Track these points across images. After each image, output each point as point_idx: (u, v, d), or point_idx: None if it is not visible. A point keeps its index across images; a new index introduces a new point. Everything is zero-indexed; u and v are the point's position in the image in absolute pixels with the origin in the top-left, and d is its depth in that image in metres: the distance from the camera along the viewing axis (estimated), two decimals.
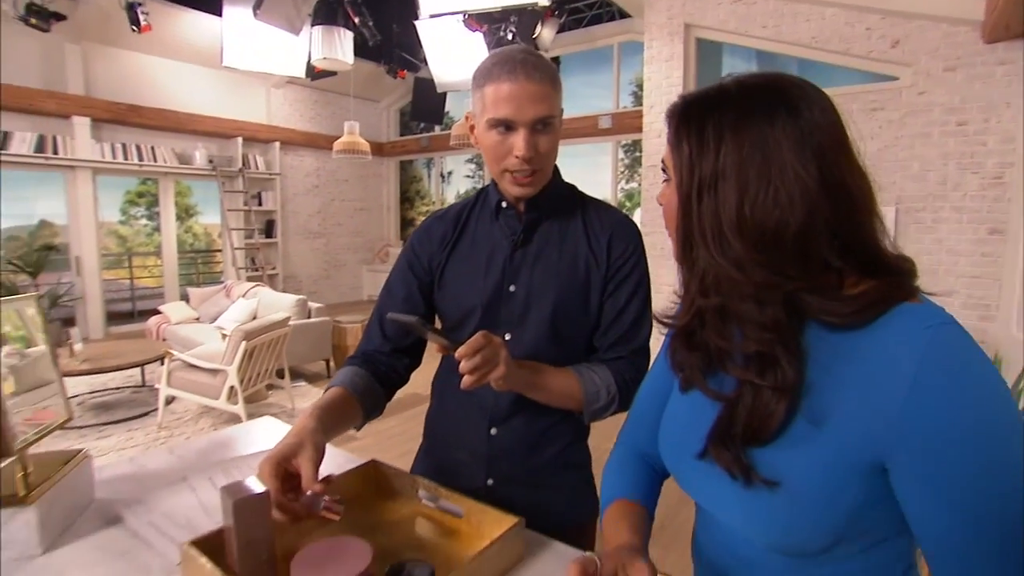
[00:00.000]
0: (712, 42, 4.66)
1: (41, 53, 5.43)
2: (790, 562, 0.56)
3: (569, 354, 0.92)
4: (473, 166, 8.30)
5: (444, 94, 6.27)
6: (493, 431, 0.94)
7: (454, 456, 0.98)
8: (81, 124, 5.67)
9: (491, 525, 0.72)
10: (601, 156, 6.85)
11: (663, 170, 0.57)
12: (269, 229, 7.57)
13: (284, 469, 0.68)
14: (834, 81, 4.12)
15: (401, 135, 8.97)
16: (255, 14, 3.60)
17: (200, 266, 7.48)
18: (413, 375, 1.02)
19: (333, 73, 4.91)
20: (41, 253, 5.46)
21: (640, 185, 6.14)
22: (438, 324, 0.98)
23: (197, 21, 5.88)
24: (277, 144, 7.49)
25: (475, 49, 4.18)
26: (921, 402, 0.46)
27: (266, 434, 1.12)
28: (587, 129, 6.61)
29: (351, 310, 6.83)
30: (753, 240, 0.49)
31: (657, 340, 0.75)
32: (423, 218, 1.06)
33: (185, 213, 7.13)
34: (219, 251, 7.48)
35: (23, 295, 0.78)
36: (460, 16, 3.93)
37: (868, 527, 0.53)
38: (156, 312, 5.24)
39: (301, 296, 4.64)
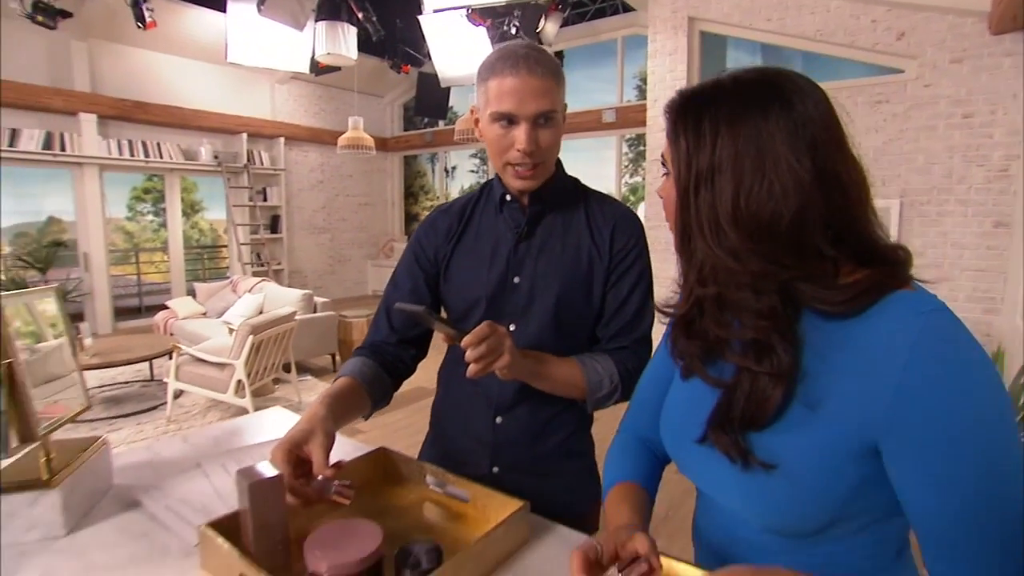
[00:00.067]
0: (716, 35, 4.65)
1: (48, 50, 5.46)
2: (786, 543, 0.57)
3: (572, 344, 0.94)
4: (477, 161, 8.30)
5: (448, 89, 6.27)
6: (498, 420, 0.96)
7: (460, 444, 1.00)
8: (88, 121, 5.71)
9: (497, 509, 0.74)
10: (605, 150, 6.84)
11: (663, 164, 0.58)
12: (274, 224, 7.61)
13: (296, 455, 0.70)
14: (839, 74, 4.10)
15: (405, 130, 8.98)
16: (259, 10, 3.61)
17: (206, 262, 7.53)
18: (419, 369, 1.04)
19: (337, 68, 4.91)
20: (50, 249, 5.52)
21: (644, 179, 6.13)
22: (444, 315, 1.00)
23: (202, 17, 5.90)
24: (282, 140, 7.51)
25: (479, 44, 4.18)
26: (914, 386, 0.47)
27: (276, 424, 1.15)
28: (591, 123, 6.60)
29: (356, 305, 6.87)
30: (749, 231, 0.51)
31: (659, 330, 0.77)
32: (427, 213, 1.08)
33: (191, 209, 7.17)
34: (225, 247, 7.53)
35: (42, 288, 0.80)
36: (464, 11, 3.93)
37: (862, 509, 0.54)
38: (163, 307, 5.29)
39: (307, 291, 4.68)
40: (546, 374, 0.88)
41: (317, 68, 4.76)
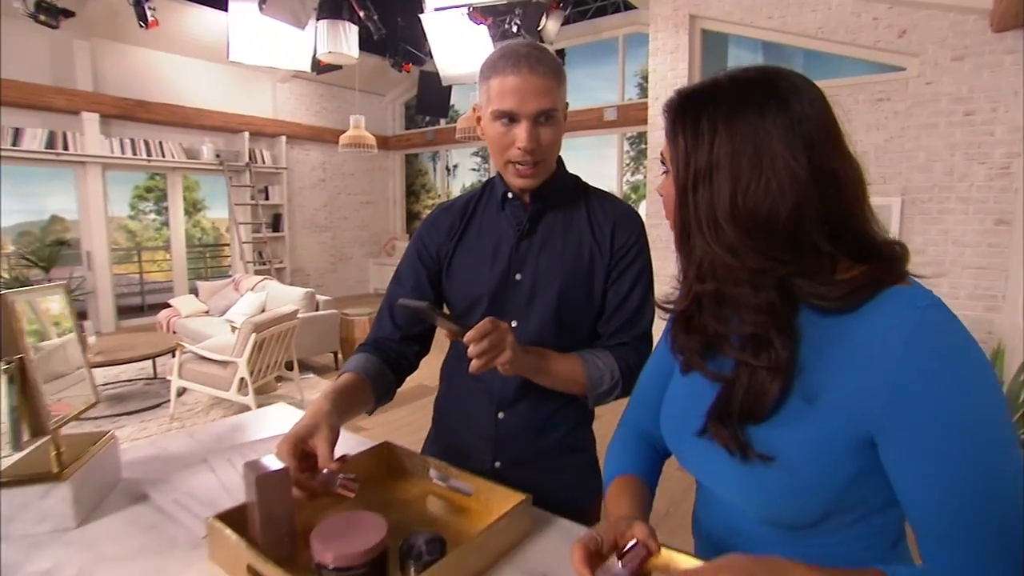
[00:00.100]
0: (717, 33, 4.64)
1: (50, 50, 5.48)
2: (784, 534, 0.58)
3: (574, 340, 0.95)
4: (479, 159, 8.30)
5: (449, 87, 6.28)
6: (500, 415, 0.97)
7: (462, 440, 1.01)
8: (90, 120, 5.72)
9: (499, 502, 0.75)
10: (606, 148, 6.84)
11: (662, 162, 0.59)
12: (276, 223, 7.63)
13: (301, 449, 0.71)
14: (840, 72, 4.10)
15: (406, 129, 8.98)
16: (261, 8, 3.62)
17: (208, 260, 7.55)
18: (420, 366, 1.05)
19: (338, 67, 4.92)
20: (53, 248, 5.54)
21: (646, 177, 6.14)
22: (446, 312, 1.01)
23: (203, 16, 5.91)
24: (283, 138, 7.53)
25: (480, 42, 4.18)
26: (909, 379, 0.48)
27: (280, 420, 1.16)
28: (592, 121, 6.60)
29: (357, 303, 6.88)
30: (746, 227, 0.52)
31: (659, 326, 0.78)
32: (429, 211, 1.09)
33: (193, 208, 7.19)
34: (227, 245, 7.55)
35: (50, 284, 0.81)
36: (465, 9, 3.93)
37: (858, 501, 0.55)
38: (166, 306, 5.31)
39: (309, 289, 4.69)
40: (548, 370, 0.89)
41: (319, 67, 4.77)
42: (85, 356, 0.84)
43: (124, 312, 6.48)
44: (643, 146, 6.50)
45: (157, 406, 3.74)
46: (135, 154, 6.07)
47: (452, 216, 1.02)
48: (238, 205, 7.10)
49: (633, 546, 0.51)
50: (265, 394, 3.86)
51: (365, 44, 4.50)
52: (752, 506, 0.59)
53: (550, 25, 4.60)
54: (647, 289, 0.96)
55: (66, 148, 5.58)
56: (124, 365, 4.06)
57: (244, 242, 7.02)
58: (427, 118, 8.35)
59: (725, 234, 0.53)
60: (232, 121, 6.94)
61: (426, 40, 4.27)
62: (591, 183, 1.03)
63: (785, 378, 0.55)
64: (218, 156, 6.77)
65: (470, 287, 0.97)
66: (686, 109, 0.55)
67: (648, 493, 0.69)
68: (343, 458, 0.73)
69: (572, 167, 1.00)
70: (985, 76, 3.48)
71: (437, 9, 3.77)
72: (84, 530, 0.74)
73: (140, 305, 6.77)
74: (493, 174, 1.00)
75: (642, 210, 5.54)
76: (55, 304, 0.81)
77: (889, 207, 3.80)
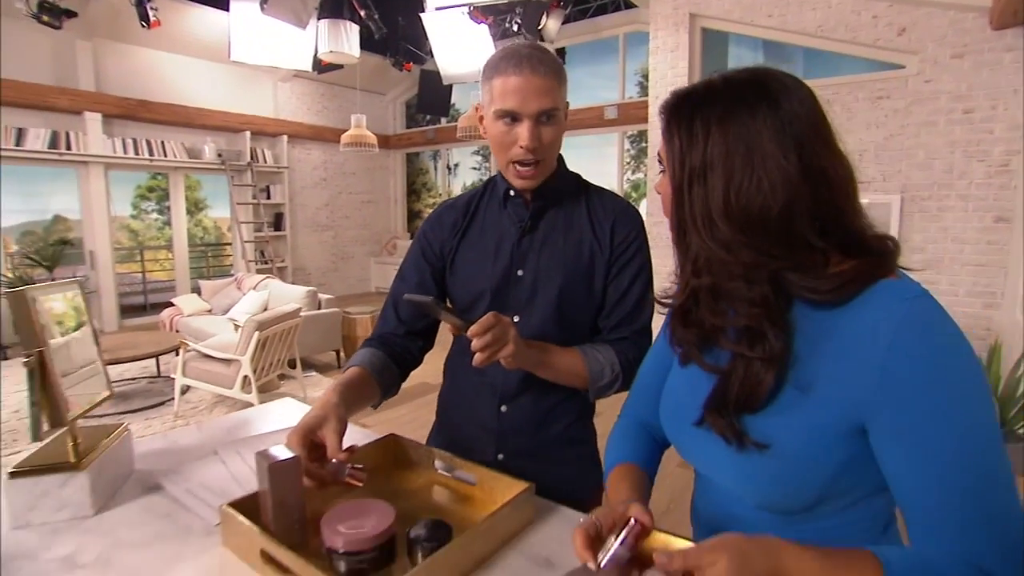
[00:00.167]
0: (717, 32, 4.66)
1: (53, 50, 5.50)
2: (779, 519, 0.61)
3: (575, 335, 0.97)
4: (479, 158, 8.32)
5: (450, 86, 6.30)
6: (503, 408, 0.99)
7: (466, 432, 1.03)
8: (93, 120, 5.75)
9: (503, 491, 0.78)
10: (607, 147, 6.85)
11: (659, 162, 0.62)
12: (278, 222, 7.65)
13: (310, 440, 0.74)
14: (840, 70, 4.11)
15: (407, 127, 9.00)
16: (262, 8, 3.64)
17: (210, 259, 7.58)
18: (423, 364, 1.07)
19: (339, 66, 4.94)
20: (57, 247, 5.57)
21: (646, 176, 6.15)
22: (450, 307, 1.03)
23: (205, 16, 5.93)
24: (285, 138, 7.55)
25: (480, 41, 4.20)
26: (897, 366, 0.50)
27: (286, 414, 1.18)
28: (593, 120, 6.61)
29: (359, 302, 6.91)
30: (740, 224, 0.54)
31: (659, 321, 0.80)
32: (430, 210, 1.11)
33: (195, 207, 7.22)
34: (229, 244, 7.58)
35: (66, 280, 0.83)
36: (466, 8, 3.95)
37: (850, 486, 0.57)
38: (169, 304, 5.33)
39: (311, 288, 4.72)
40: (549, 363, 0.91)
41: (320, 66, 4.79)
42: (99, 350, 0.86)
43: (127, 311, 6.51)
44: (643, 144, 6.51)
45: (161, 404, 3.77)
46: (137, 154, 6.09)
47: (455, 213, 1.04)
48: (240, 204, 7.13)
49: (629, 524, 0.53)
50: (268, 392, 3.88)
51: (366, 43, 4.52)
52: (748, 492, 0.61)
53: (550, 24, 4.61)
54: (646, 284, 0.98)
55: (69, 148, 5.60)
56: (128, 363, 4.09)
57: (246, 241, 7.05)
58: (428, 117, 8.36)
59: (719, 230, 0.55)
60: (234, 120, 6.96)
61: (427, 39, 4.29)
62: (592, 181, 1.04)
63: (779, 369, 0.57)
64: (220, 155, 6.79)
65: (473, 283, 0.99)
66: (681, 110, 0.57)
67: (647, 480, 0.71)
68: (351, 448, 0.75)
69: (573, 165, 1.02)
70: (984, 74, 3.49)
71: (438, 8, 3.79)
72: (101, 518, 0.76)
73: (143, 304, 6.80)
74: (494, 172, 1.02)
75: (643, 208, 5.56)
76: (70, 300, 0.83)
77: (889, 204, 3.81)
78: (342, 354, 4.79)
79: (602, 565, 0.51)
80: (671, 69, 4.72)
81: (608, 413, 1.05)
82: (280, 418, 1.16)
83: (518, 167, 0.91)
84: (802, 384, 0.57)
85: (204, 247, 7.49)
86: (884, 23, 3.80)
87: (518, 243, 0.97)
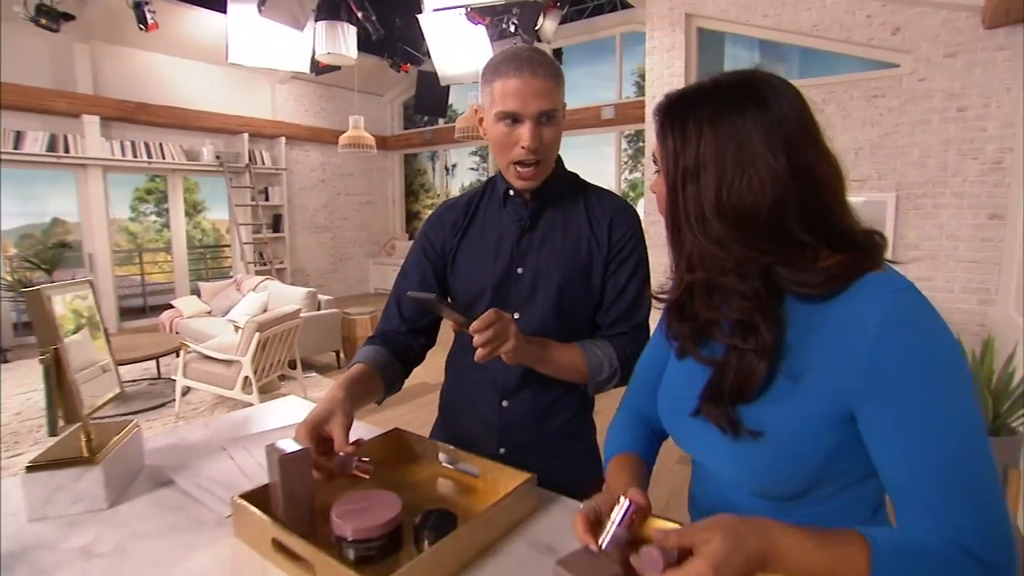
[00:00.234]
0: (713, 32, 4.69)
1: (50, 53, 5.51)
2: (771, 505, 0.63)
3: (574, 331, 0.99)
4: (477, 158, 8.34)
5: (447, 87, 6.31)
6: (504, 403, 1.01)
7: (468, 428, 1.05)
8: (91, 123, 5.76)
9: (506, 482, 0.80)
10: (604, 147, 6.88)
11: (654, 162, 0.64)
12: (276, 224, 7.66)
13: (318, 433, 0.76)
14: (836, 69, 4.14)
15: (405, 129, 9.02)
16: (259, 10, 3.66)
17: (209, 261, 7.59)
18: (423, 365, 1.09)
19: (337, 68, 4.95)
20: (56, 250, 5.58)
21: (644, 175, 6.18)
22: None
23: (202, 18, 5.94)
24: (283, 139, 7.56)
25: (478, 42, 4.22)
26: (883, 353, 0.53)
27: (290, 411, 1.20)
28: (590, 120, 6.64)
29: (358, 303, 6.93)
30: (731, 221, 0.56)
31: (656, 317, 0.82)
32: (428, 211, 1.13)
33: (193, 209, 7.23)
34: (227, 246, 7.59)
35: (78, 281, 0.85)
36: (463, 9, 3.97)
37: (840, 472, 0.60)
38: (168, 307, 5.34)
39: (311, 289, 4.73)
40: (549, 358, 0.93)
41: (317, 68, 4.80)
42: (110, 349, 0.89)
43: (126, 313, 6.52)
44: (640, 144, 6.55)
45: (162, 405, 3.79)
46: (135, 156, 6.10)
47: (456, 213, 1.06)
48: (238, 206, 7.14)
49: (627, 506, 0.55)
50: (268, 393, 3.90)
51: (363, 45, 4.54)
52: (743, 479, 0.64)
53: (547, 24, 4.64)
54: (643, 281, 1.00)
55: (67, 151, 5.61)
56: (129, 365, 4.10)
57: (245, 243, 7.06)
58: (425, 118, 8.38)
59: (712, 227, 0.57)
60: (232, 123, 6.97)
61: (424, 40, 4.31)
62: (590, 181, 1.07)
63: (771, 360, 0.59)
64: (218, 158, 6.80)
65: (474, 280, 1.02)
66: (674, 112, 0.59)
67: (646, 470, 0.74)
68: (358, 442, 0.78)
69: (570, 165, 1.04)
70: (977, 72, 3.53)
71: (435, 9, 3.81)
72: (116, 511, 0.78)
73: (142, 307, 6.81)
74: (491, 173, 1.04)
75: (640, 207, 5.58)
76: (82, 300, 0.85)
77: (884, 202, 3.85)
78: (342, 355, 4.81)
79: (602, 546, 0.54)
80: (667, 69, 4.74)
81: (607, 411, 1.08)
82: (285, 415, 1.18)
83: (519, 168, 0.93)
84: (793, 374, 0.59)
85: (203, 249, 7.50)
86: (878, 22, 3.84)
87: (518, 242, 1.00)
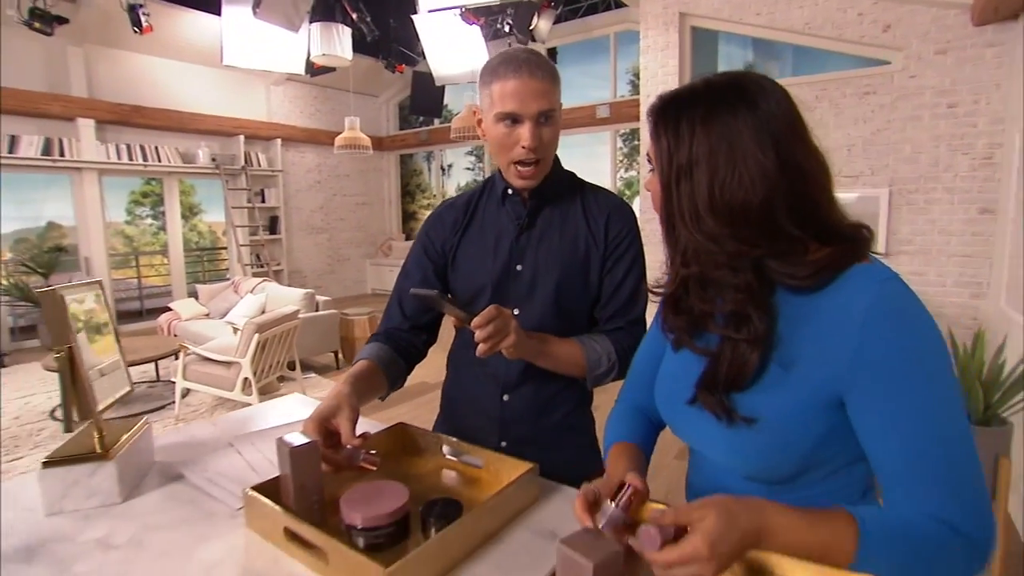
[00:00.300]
0: (707, 30, 4.72)
1: (45, 57, 5.50)
2: (764, 489, 0.66)
3: (572, 326, 1.02)
4: (473, 158, 8.36)
5: (443, 87, 6.32)
6: (505, 397, 1.04)
7: (470, 422, 1.08)
8: (86, 126, 5.74)
9: (508, 472, 0.82)
10: (600, 145, 6.91)
11: (648, 161, 0.66)
12: (273, 225, 7.66)
13: (325, 427, 0.78)
14: (828, 66, 4.18)
15: (401, 129, 9.02)
16: (254, 12, 3.66)
17: (206, 264, 7.58)
18: (422, 365, 1.11)
19: (332, 69, 4.97)
20: (51, 254, 5.57)
21: (639, 174, 6.21)
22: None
23: (197, 21, 5.93)
24: (278, 141, 7.56)
25: (472, 42, 4.24)
26: (869, 340, 0.56)
27: (295, 409, 1.23)
28: (585, 119, 6.66)
29: (355, 303, 6.94)
30: (724, 216, 0.59)
31: (652, 312, 0.85)
32: (425, 211, 1.16)
33: (189, 212, 7.22)
34: (224, 248, 7.58)
35: (88, 282, 0.87)
36: (457, 10, 3.99)
37: (830, 456, 0.63)
38: (166, 309, 5.35)
39: (308, 290, 4.74)
40: (549, 353, 0.96)
41: (312, 69, 4.81)
42: (120, 347, 0.90)
43: (123, 317, 6.51)
44: (636, 143, 6.58)
45: (162, 408, 3.79)
46: (131, 159, 6.09)
47: (456, 212, 1.08)
48: (235, 208, 7.13)
49: (625, 488, 0.58)
50: (267, 394, 3.91)
51: (358, 46, 4.55)
52: (738, 464, 0.66)
53: (542, 24, 4.66)
54: (640, 277, 1.03)
55: (62, 154, 5.60)
56: (128, 368, 4.10)
57: (241, 245, 7.06)
58: (421, 118, 8.39)
59: (705, 223, 0.60)
60: (227, 125, 6.96)
61: (419, 41, 4.33)
62: (586, 179, 1.09)
63: (764, 349, 0.62)
64: (214, 160, 6.80)
65: (474, 278, 1.04)
66: (667, 112, 0.62)
67: (644, 458, 0.76)
68: (364, 435, 0.80)
69: (567, 164, 1.06)
70: (967, 69, 3.57)
71: (430, 10, 3.83)
72: (129, 505, 0.80)
73: (139, 310, 6.80)
74: (487, 173, 1.07)
75: (636, 206, 5.61)
76: (92, 300, 0.87)
77: (877, 198, 3.89)
78: (341, 355, 4.82)
79: (601, 527, 0.56)
80: (662, 68, 4.77)
81: (605, 407, 1.10)
82: (289, 412, 1.20)
83: (519, 167, 0.96)
84: (785, 363, 0.62)
85: (199, 252, 7.49)
86: (869, 20, 3.88)
87: (517, 239, 1.02)
